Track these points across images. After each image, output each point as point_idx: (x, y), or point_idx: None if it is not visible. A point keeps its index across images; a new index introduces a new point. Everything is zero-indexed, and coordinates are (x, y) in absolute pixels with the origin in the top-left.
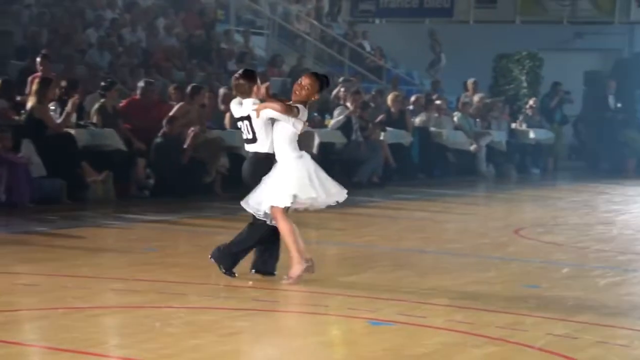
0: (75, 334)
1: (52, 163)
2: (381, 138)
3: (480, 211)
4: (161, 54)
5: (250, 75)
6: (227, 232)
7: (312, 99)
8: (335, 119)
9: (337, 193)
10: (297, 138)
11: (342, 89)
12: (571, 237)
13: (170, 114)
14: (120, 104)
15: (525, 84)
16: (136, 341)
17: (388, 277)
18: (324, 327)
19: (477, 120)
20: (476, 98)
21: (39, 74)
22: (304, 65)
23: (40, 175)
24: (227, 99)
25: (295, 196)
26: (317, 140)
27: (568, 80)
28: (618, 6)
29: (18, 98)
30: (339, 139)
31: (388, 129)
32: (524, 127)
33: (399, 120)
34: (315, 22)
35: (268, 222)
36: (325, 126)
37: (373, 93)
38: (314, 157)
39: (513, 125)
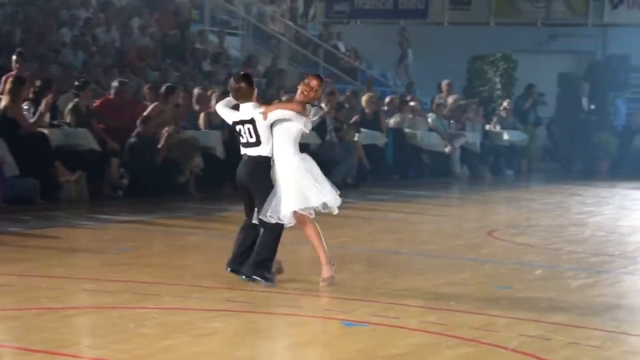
0: (48, 334)
1: (25, 163)
2: (355, 139)
3: (454, 212)
4: (135, 53)
5: (250, 79)
6: (201, 233)
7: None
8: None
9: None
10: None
11: None
12: (544, 238)
13: (145, 113)
14: (94, 104)
15: (499, 86)
16: (109, 342)
17: (362, 278)
18: (298, 328)
19: (451, 121)
20: (450, 99)
21: (12, 73)
22: (278, 66)
23: (13, 174)
24: (202, 99)
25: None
26: None
27: (542, 82)
28: (592, 8)
29: None
30: (313, 140)
31: (362, 130)
32: (498, 128)
33: (373, 121)
34: (290, 23)
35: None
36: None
37: (347, 94)
38: None
39: (487, 127)
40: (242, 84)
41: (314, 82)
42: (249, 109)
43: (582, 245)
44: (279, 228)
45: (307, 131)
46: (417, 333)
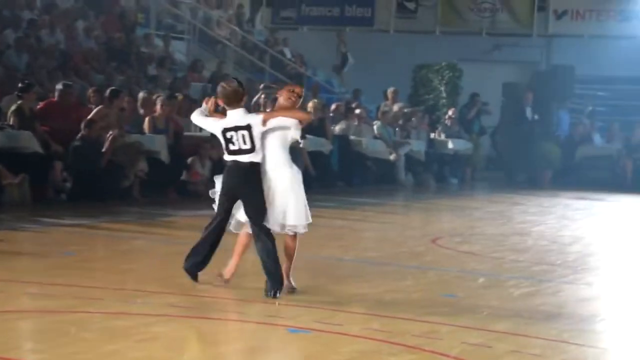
0: None
1: None
2: (301, 146)
3: (399, 220)
4: (80, 56)
5: (242, 85)
6: (145, 237)
7: None
8: None
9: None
10: None
11: (263, 96)
12: (487, 247)
13: (89, 117)
14: (38, 106)
15: (444, 94)
16: (51, 346)
17: (306, 285)
18: (242, 334)
19: (397, 129)
20: (396, 107)
21: None
22: (224, 71)
23: None
24: (147, 103)
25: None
26: None
27: (486, 92)
28: (536, 19)
29: None
30: None
31: (308, 136)
32: (442, 137)
33: (318, 128)
34: (236, 28)
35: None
36: None
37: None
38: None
39: (432, 135)
40: (240, 88)
41: (298, 90)
42: (243, 115)
43: (525, 254)
44: (272, 236)
45: (300, 140)
46: (360, 340)
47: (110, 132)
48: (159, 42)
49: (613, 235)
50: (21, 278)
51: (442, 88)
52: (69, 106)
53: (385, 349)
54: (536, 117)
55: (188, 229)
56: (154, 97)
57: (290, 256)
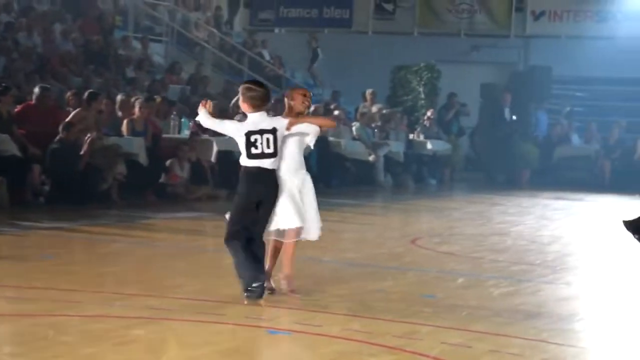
0: None
1: None
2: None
3: (378, 221)
4: (58, 59)
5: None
6: (124, 240)
7: None
8: None
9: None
10: None
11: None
12: (466, 247)
13: (67, 120)
14: (16, 110)
15: (422, 96)
16: (29, 349)
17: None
18: (221, 336)
19: (375, 130)
20: (374, 109)
21: None
22: (202, 73)
23: None
24: (125, 106)
25: None
26: (215, 149)
27: (465, 92)
28: (514, 20)
29: None
30: (237, 148)
31: None
32: (421, 138)
33: None
34: (214, 30)
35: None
36: (224, 135)
37: (272, 102)
38: (212, 165)
39: (411, 136)
40: (267, 90)
41: (309, 93)
42: (267, 118)
43: (504, 254)
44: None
45: (312, 146)
46: (340, 341)
47: (89, 135)
48: (136, 45)
49: (592, 235)
50: None
51: (421, 89)
52: (47, 109)
53: (366, 349)
54: (514, 117)
55: (167, 232)
56: (132, 99)
57: (285, 259)
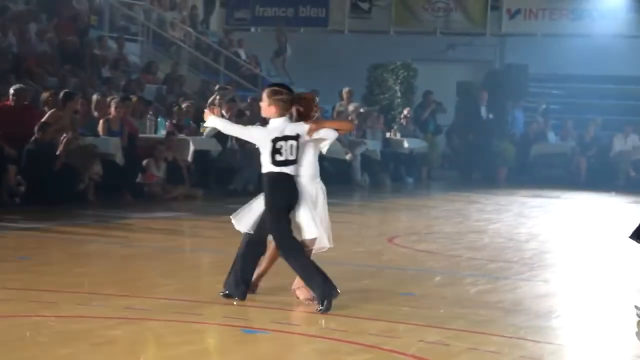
0: None
1: None
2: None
3: (355, 220)
4: (33, 59)
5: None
6: (101, 240)
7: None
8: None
9: None
10: None
11: (218, 97)
12: (444, 245)
13: (43, 120)
14: None
15: (399, 94)
16: (6, 350)
17: (262, 286)
18: (198, 336)
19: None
20: (351, 107)
21: None
22: (178, 73)
23: None
24: (101, 106)
25: None
26: (192, 148)
27: (441, 91)
28: (490, 19)
29: None
30: (214, 147)
31: None
32: (398, 136)
33: None
34: (190, 30)
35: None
36: (201, 134)
37: (248, 101)
38: (188, 165)
39: (387, 135)
40: (294, 93)
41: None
42: (290, 124)
43: (481, 252)
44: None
45: (324, 152)
46: (318, 340)
47: (64, 135)
48: (112, 44)
49: (569, 232)
50: None
51: (397, 87)
52: (22, 109)
53: (344, 348)
54: (491, 115)
55: (144, 232)
56: (108, 99)
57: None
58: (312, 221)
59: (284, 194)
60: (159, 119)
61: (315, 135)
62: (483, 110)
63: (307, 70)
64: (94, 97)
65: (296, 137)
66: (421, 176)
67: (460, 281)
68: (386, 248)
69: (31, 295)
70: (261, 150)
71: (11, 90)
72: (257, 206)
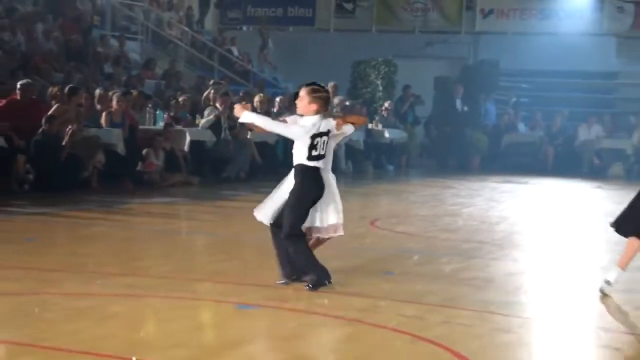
0: None
1: None
2: (248, 137)
3: None
4: (40, 57)
5: None
6: (103, 224)
7: None
8: (206, 118)
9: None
10: None
11: (212, 91)
12: (421, 227)
13: (49, 113)
14: (1, 104)
15: (380, 88)
16: (15, 326)
17: (254, 265)
18: (194, 311)
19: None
20: (336, 100)
21: None
22: (175, 69)
23: None
24: (103, 99)
25: None
26: (188, 139)
27: (419, 85)
28: (465, 18)
29: None
30: (209, 138)
31: None
32: (379, 127)
33: None
34: (186, 29)
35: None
36: (196, 125)
37: (241, 95)
38: (185, 154)
39: (370, 126)
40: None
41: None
42: (323, 120)
43: (456, 233)
44: None
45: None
46: (306, 315)
47: (70, 127)
48: (114, 43)
49: (536, 215)
50: None
51: (379, 82)
52: (31, 103)
53: (329, 322)
54: (465, 108)
55: (143, 216)
56: (110, 93)
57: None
58: (334, 209)
59: (314, 186)
60: (157, 112)
61: (341, 131)
62: (458, 103)
63: (295, 66)
64: (97, 91)
65: (327, 133)
66: (401, 164)
67: (436, 260)
68: (368, 231)
69: (38, 275)
70: (297, 144)
71: (18, 85)
72: (277, 198)
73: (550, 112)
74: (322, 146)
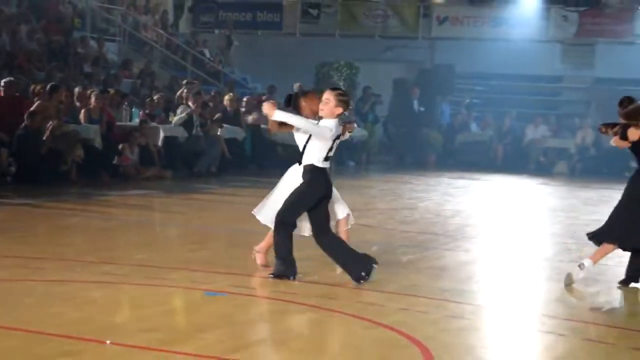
0: None
1: None
2: (218, 133)
3: None
4: (24, 56)
5: None
6: (82, 215)
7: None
8: (178, 116)
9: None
10: None
11: (185, 91)
12: (381, 220)
13: (31, 109)
14: None
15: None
16: (1, 312)
17: (223, 254)
18: (166, 297)
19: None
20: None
21: None
22: (151, 69)
23: None
24: (82, 97)
25: None
26: (162, 135)
27: (379, 87)
28: (422, 24)
29: None
30: (181, 134)
31: (224, 125)
32: None
33: (234, 118)
34: (161, 31)
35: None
36: (170, 122)
37: (212, 94)
38: (159, 149)
39: None
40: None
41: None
42: (338, 125)
43: (413, 225)
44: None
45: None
46: (270, 301)
47: (50, 123)
48: (93, 44)
49: (487, 209)
50: None
51: (341, 84)
52: (14, 100)
53: (292, 308)
54: (422, 108)
55: (120, 207)
56: (89, 91)
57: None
58: (341, 204)
59: (323, 187)
60: (133, 109)
61: (346, 136)
62: (415, 104)
63: (263, 67)
64: (77, 89)
65: (339, 137)
66: (361, 160)
67: (394, 251)
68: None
69: (20, 262)
70: (316, 145)
71: (2, 83)
72: (279, 198)
73: (500, 112)
74: (334, 149)
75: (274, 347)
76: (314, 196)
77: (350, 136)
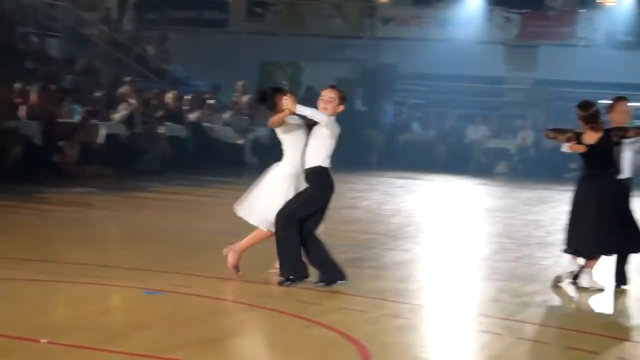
0: None
1: None
2: (161, 131)
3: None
4: None
5: None
6: (22, 212)
7: None
8: (120, 113)
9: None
10: None
11: (127, 88)
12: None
13: None
14: None
15: (287, 88)
16: None
17: (163, 252)
18: (104, 296)
19: (245, 117)
20: (245, 99)
21: None
22: (94, 66)
23: None
24: (23, 94)
25: None
26: (103, 132)
27: (323, 86)
28: (366, 24)
29: None
30: (122, 131)
31: (167, 123)
32: None
33: (176, 115)
34: (105, 28)
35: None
36: (111, 120)
37: (155, 92)
38: (98, 147)
39: None
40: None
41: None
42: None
43: (354, 225)
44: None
45: None
46: (209, 300)
47: None
48: (35, 40)
49: (427, 208)
50: None
51: (285, 82)
52: None
53: (230, 307)
54: (365, 108)
55: (60, 205)
56: (30, 88)
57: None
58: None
59: (331, 188)
60: (74, 106)
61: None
62: (358, 104)
63: (208, 66)
64: (17, 85)
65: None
66: None
67: (334, 250)
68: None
69: None
70: (324, 144)
71: None
72: (265, 197)
73: (442, 112)
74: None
75: (211, 347)
76: (325, 197)
77: None
